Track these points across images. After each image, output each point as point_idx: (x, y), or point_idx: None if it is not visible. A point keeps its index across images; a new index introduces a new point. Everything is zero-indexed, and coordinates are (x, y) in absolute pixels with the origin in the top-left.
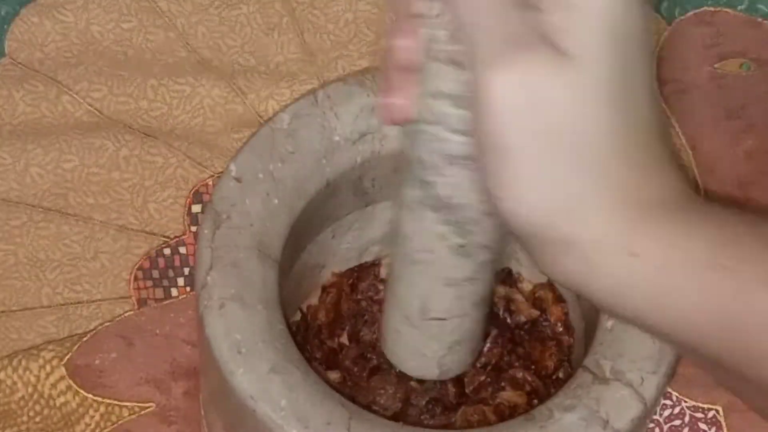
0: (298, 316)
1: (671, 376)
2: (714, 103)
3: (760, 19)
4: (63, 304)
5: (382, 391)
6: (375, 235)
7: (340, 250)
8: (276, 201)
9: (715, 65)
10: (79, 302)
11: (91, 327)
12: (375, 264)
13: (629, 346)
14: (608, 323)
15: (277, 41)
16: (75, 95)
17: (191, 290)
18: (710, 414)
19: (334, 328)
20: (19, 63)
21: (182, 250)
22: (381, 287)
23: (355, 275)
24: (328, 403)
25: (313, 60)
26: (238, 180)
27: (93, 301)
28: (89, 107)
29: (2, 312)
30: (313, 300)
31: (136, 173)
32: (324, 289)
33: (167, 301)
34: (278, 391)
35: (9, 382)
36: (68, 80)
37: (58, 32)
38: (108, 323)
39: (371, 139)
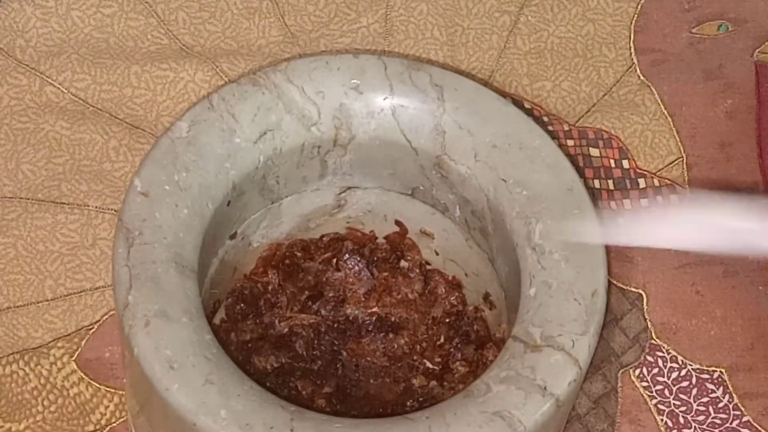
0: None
1: (600, 336)
2: (692, 67)
3: None
4: (67, 295)
5: None
6: (283, 230)
7: (251, 250)
8: (185, 211)
9: (693, 29)
10: (82, 291)
11: (97, 317)
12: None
13: (555, 311)
14: (531, 290)
15: (258, 25)
16: (59, 86)
17: None
18: (715, 375)
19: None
20: (1, 49)
21: None
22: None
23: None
24: (268, 408)
25: (295, 41)
26: (144, 195)
27: (96, 289)
28: (73, 97)
29: (7, 308)
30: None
31: (127, 161)
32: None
33: None
34: (216, 402)
35: (21, 373)
36: (51, 70)
37: (38, 18)
38: (113, 311)
39: (272, 136)
